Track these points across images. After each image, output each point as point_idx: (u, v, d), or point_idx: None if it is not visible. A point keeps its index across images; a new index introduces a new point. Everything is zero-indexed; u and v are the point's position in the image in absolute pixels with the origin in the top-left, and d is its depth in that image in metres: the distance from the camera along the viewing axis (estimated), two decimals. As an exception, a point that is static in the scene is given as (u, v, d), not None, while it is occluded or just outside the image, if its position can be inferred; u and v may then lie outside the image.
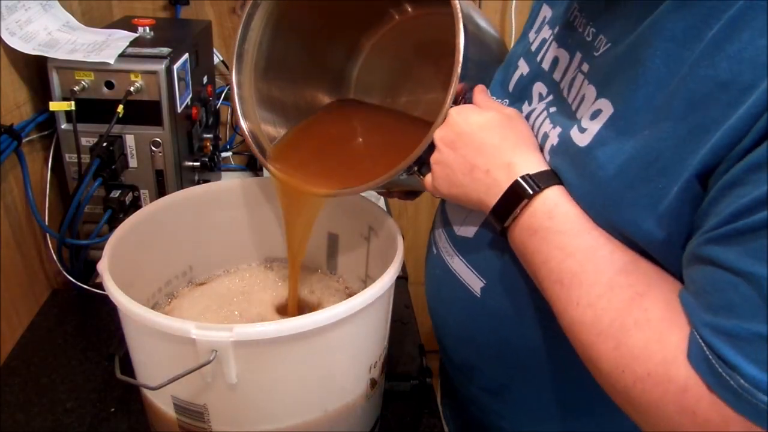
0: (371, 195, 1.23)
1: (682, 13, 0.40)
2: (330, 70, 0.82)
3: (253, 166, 1.36)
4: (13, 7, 0.82)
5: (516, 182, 0.49)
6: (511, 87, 0.61)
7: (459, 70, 0.54)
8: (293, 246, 0.72)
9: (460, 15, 0.54)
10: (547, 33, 0.58)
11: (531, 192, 0.48)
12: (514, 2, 1.35)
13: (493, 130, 0.52)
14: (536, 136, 0.54)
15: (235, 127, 1.38)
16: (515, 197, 0.49)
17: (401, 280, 0.98)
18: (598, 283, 0.43)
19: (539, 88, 0.57)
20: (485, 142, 0.52)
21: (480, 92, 0.58)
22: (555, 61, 0.55)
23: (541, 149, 0.53)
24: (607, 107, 0.45)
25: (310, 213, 0.69)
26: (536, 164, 0.50)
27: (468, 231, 0.61)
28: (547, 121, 0.53)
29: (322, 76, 0.81)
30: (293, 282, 0.73)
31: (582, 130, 0.47)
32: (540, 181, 0.48)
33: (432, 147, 0.56)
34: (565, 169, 0.48)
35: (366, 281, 0.79)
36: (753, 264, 0.34)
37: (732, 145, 0.35)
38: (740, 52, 0.36)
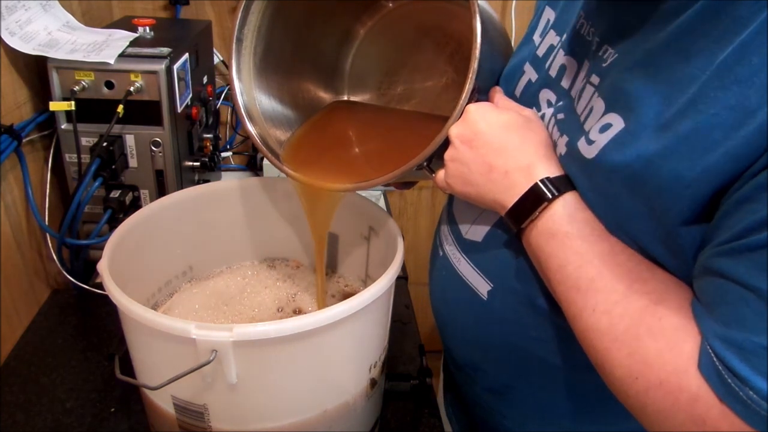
0: (371, 195, 1.23)
1: (694, 36, 0.40)
2: (325, 60, 0.80)
3: (253, 166, 1.36)
4: (13, 7, 0.82)
5: (536, 185, 0.49)
6: (518, 92, 0.60)
7: (476, 65, 0.52)
8: (320, 237, 0.73)
9: (477, 9, 0.52)
10: (554, 39, 0.57)
11: (550, 196, 0.48)
12: (514, 2, 1.35)
13: (513, 131, 0.52)
14: None
15: (236, 127, 1.37)
16: (534, 200, 0.49)
17: (401, 280, 0.98)
18: (615, 291, 0.43)
19: (547, 95, 0.56)
20: (504, 143, 0.51)
21: (498, 92, 0.58)
22: (562, 69, 0.54)
23: None
24: (617, 122, 0.44)
25: (330, 206, 0.70)
26: (555, 168, 0.50)
27: (477, 234, 0.61)
28: (555, 128, 0.53)
29: (317, 67, 0.80)
30: (320, 272, 0.75)
31: (590, 142, 0.46)
32: (560, 185, 0.48)
33: (445, 143, 0.54)
34: (575, 176, 0.48)
35: (366, 281, 0.79)
36: (762, 279, 0.34)
37: (733, 167, 0.36)
38: (750, 77, 0.36)
